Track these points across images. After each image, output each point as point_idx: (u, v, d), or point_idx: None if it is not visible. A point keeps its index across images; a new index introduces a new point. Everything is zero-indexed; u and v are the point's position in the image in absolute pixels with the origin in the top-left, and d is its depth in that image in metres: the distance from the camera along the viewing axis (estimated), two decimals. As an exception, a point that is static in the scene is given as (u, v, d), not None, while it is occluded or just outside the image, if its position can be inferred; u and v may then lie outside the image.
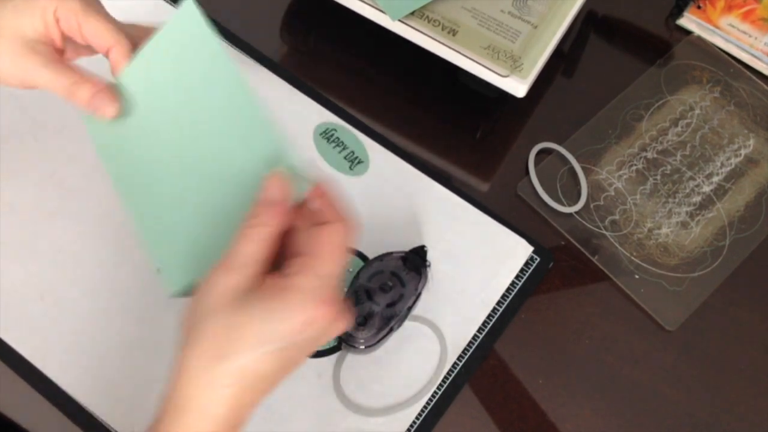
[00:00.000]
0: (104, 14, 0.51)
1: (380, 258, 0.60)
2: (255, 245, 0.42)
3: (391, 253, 0.60)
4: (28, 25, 0.49)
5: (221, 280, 0.42)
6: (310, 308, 0.41)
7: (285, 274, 0.42)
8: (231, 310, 0.41)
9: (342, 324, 0.43)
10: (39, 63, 0.49)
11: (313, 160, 0.66)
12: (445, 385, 0.60)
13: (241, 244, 0.42)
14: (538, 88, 0.66)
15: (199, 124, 0.49)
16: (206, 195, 0.48)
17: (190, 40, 0.49)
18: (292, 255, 0.44)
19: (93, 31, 0.50)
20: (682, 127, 0.71)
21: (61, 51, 0.52)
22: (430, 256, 0.61)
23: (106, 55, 0.51)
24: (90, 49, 0.52)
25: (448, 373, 0.60)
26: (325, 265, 0.42)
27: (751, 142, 0.71)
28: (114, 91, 0.50)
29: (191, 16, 0.49)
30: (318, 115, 0.68)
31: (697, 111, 0.72)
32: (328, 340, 0.44)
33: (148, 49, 0.51)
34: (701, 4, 0.76)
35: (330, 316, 0.41)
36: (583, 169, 0.68)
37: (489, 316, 0.62)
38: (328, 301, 0.41)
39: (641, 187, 0.68)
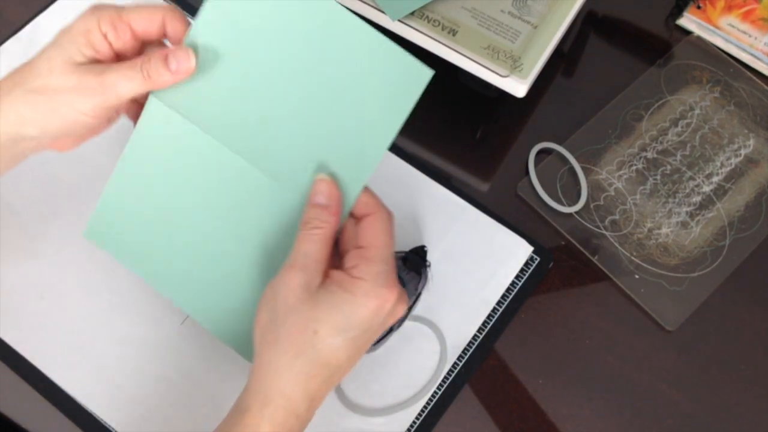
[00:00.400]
0: (137, 5, 0.50)
1: (380, 258, 0.60)
2: (317, 245, 0.46)
3: (391, 253, 0.60)
4: (76, 53, 0.48)
5: (294, 281, 0.45)
6: (379, 294, 0.45)
7: (348, 267, 0.46)
8: (307, 307, 0.44)
9: (403, 305, 0.47)
10: (99, 71, 0.47)
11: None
12: (445, 385, 0.60)
13: (305, 245, 0.46)
14: (538, 88, 0.66)
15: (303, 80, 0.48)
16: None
17: None
18: (345, 249, 0.48)
19: (142, 17, 0.49)
20: (682, 127, 0.71)
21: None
22: (430, 256, 0.61)
23: (164, 35, 0.50)
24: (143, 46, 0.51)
25: (448, 373, 0.60)
26: (382, 252, 0.46)
27: (751, 142, 0.71)
28: (180, 47, 0.48)
29: None
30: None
31: (697, 111, 0.72)
32: (392, 322, 0.47)
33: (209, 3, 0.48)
34: (701, 4, 0.76)
35: (394, 298, 0.45)
36: (583, 169, 0.68)
37: (489, 316, 0.62)
38: (392, 284, 0.45)
39: (641, 187, 0.68)
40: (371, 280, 0.45)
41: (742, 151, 0.71)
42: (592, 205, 0.67)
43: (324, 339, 0.44)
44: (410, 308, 0.59)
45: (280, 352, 0.44)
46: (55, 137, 0.49)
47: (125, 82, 0.47)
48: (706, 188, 0.69)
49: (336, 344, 0.44)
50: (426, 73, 0.46)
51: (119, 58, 0.50)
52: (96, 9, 0.49)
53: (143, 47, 0.51)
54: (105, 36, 0.48)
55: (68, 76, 0.47)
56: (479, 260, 0.64)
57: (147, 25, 0.49)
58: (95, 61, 0.48)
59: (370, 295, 0.44)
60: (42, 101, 0.47)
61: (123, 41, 0.49)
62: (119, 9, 0.49)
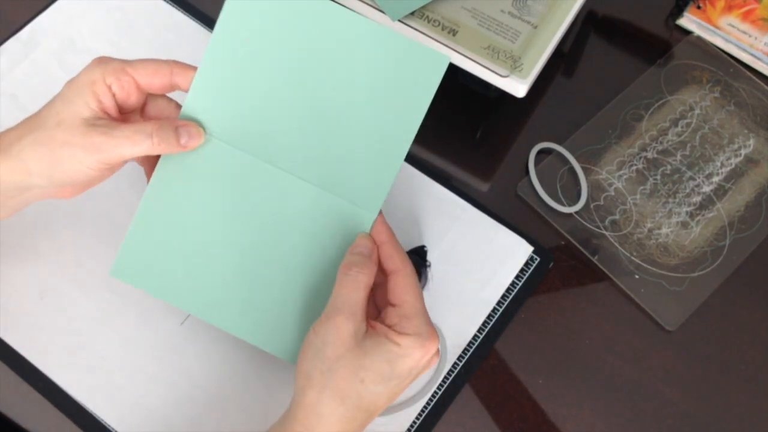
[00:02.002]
0: (144, 58, 0.51)
1: (380, 258, 0.60)
2: (361, 293, 0.48)
3: (391, 253, 0.60)
4: (81, 106, 0.48)
5: (343, 328, 0.47)
6: (424, 344, 0.47)
7: (391, 325, 0.48)
8: (355, 355, 0.46)
9: (438, 356, 0.50)
10: (106, 131, 0.48)
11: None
12: (445, 385, 0.60)
13: (349, 292, 0.48)
14: (538, 88, 0.66)
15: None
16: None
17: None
18: (379, 305, 0.51)
19: (147, 70, 0.49)
20: (682, 127, 0.71)
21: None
22: (430, 256, 0.61)
23: (170, 86, 0.50)
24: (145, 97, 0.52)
25: (448, 373, 0.60)
26: (417, 307, 0.48)
27: (751, 142, 0.71)
28: (187, 121, 0.50)
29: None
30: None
31: (697, 111, 0.72)
32: (426, 371, 0.50)
33: (214, 42, 0.49)
34: (701, 4, 0.76)
35: (435, 348, 0.48)
36: (583, 169, 0.68)
37: (489, 316, 0.62)
38: (433, 335, 0.48)
39: (641, 187, 0.68)
40: (415, 335, 0.47)
41: (742, 151, 0.71)
42: (592, 205, 0.67)
43: (368, 386, 0.46)
44: (410, 308, 0.60)
45: (327, 397, 0.46)
46: (58, 187, 0.50)
47: (131, 147, 0.48)
48: (706, 188, 0.69)
49: (378, 391, 0.47)
50: (442, 60, 0.46)
51: (123, 110, 0.50)
52: (101, 61, 0.49)
53: (147, 100, 0.52)
54: (109, 88, 0.49)
55: (74, 131, 0.47)
56: (479, 260, 0.64)
57: (152, 78, 0.50)
58: (102, 115, 0.49)
59: (416, 347, 0.47)
60: (48, 153, 0.48)
61: (127, 93, 0.50)
62: (124, 62, 0.49)
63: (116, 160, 0.48)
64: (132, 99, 0.50)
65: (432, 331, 0.48)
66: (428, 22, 0.64)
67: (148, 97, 0.52)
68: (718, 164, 0.70)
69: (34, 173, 0.48)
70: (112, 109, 0.49)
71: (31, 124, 0.48)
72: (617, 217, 0.67)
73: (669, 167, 0.69)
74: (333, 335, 0.46)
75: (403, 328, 0.47)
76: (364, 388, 0.46)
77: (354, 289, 0.48)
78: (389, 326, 0.48)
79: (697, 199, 0.68)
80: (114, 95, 0.49)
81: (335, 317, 0.47)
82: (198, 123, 0.50)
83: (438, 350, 0.49)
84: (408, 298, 0.49)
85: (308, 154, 0.50)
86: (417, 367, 0.48)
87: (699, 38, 0.76)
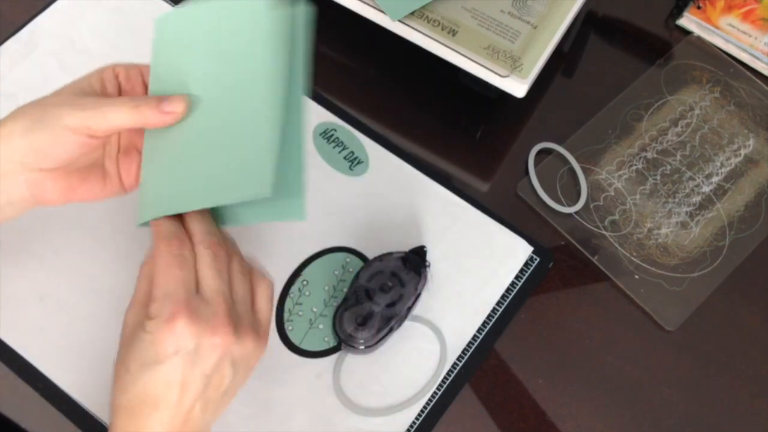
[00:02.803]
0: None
1: (380, 258, 0.60)
2: (141, 282, 0.47)
3: (391, 253, 0.60)
4: (85, 85, 0.50)
5: (127, 319, 0.47)
6: (166, 330, 0.44)
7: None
8: (123, 345, 0.46)
9: (219, 333, 0.45)
10: (98, 98, 0.49)
11: (312, 160, 0.66)
12: (445, 385, 0.60)
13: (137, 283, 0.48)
14: (538, 88, 0.66)
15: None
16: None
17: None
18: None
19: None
20: (682, 127, 0.71)
21: None
22: (430, 256, 0.61)
23: None
24: None
25: (448, 373, 0.60)
26: (163, 289, 0.45)
27: (751, 142, 0.71)
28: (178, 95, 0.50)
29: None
30: (318, 115, 0.68)
31: (697, 111, 0.72)
32: (215, 350, 0.45)
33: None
34: (701, 4, 0.76)
35: (187, 331, 0.44)
36: (583, 169, 0.68)
37: (489, 316, 0.62)
38: (176, 317, 0.44)
39: (641, 187, 0.68)
40: (156, 317, 0.44)
41: (742, 151, 0.71)
42: (591, 206, 0.67)
43: (134, 374, 0.44)
44: (410, 308, 0.60)
45: (114, 389, 0.46)
46: (39, 160, 0.48)
47: (115, 109, 0.48)
48: (706, 188, 0.69)
49: (147, 378, 0.44)
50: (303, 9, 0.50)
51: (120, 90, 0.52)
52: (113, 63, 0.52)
53: None
54: (117, 75, 0.51)
55: (67, 96, 0.49)
56: (479, 260, 0.64)
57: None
58: (99, 92, 0.50)
59: (159, 331, 0.44)
60: (35, 110, 0.48)
61: (132, 86, 0.51)
62: (135, 63, 0.52)
63: (99, 124, 0.47)
64: (137, 91, 0.51)
65: (176, 311, 0.44)
66: (428, 22, 0.64)
67: None
68: (718, 164, 0.70)
69: (16, 133, 0.47)
70: (114, 95, 0.50)
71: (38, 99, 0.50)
72: (617, 217, 0.67)
73: (669, 167, 0.69)
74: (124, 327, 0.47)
75: (150, 313, 0.45)
76: (131, 377, 0.44)
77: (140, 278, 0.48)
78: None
79: (696, 199, 0.68)
80: (119, 84, 0.51)
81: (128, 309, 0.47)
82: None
83: (221, 327, 0.45)
84: (158, 281, 0.46)
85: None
86: (184, 349, 0.44)
87: (699, 38, 0.76)
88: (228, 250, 0.48)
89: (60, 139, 0.47)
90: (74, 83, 0.50)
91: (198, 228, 0.48)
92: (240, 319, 0.46)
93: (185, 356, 0.44)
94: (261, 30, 0.50)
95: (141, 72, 0.51)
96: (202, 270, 0.46)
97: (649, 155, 0.70)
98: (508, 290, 0.63)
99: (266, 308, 0.49)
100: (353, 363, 0.59)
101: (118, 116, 0.48)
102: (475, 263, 0.64)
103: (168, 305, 0.44)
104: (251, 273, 0.49)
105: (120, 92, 0.51)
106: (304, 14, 0.52)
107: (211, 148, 0.50)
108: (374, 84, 0.72)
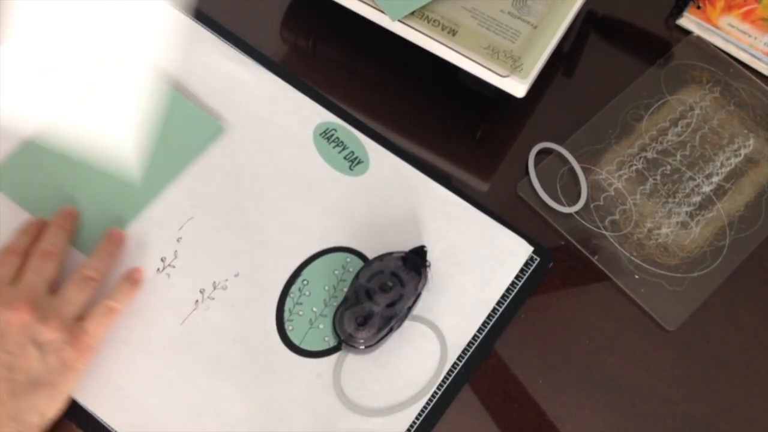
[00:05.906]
0: None
1: (380, 258, 0.60)
2: None
3: (391, 253, 0.60)
4: None
5: None
6: None
7: None
8: None
9: (19, 311, 0.52)
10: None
11: (313, 160, 0.66)
12: (445, 385, 0.60)
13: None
14: (538, 88, 0.66)
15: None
16: None
17: None
18: None
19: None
20: (682, 127, 0.71)
21: None
22: (429, 256, 0.61)
23: None
24: None
25: (448, 373, 0.60)
26: None
27: (751, 142, 0.71)
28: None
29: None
30: (318, 115, 0.68)
31: (697, 111, 0.72)
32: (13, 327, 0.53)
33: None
34: (701, 4, 0.76)
35: None
36: (583, 169, 0.68)
37: (489, 316, 0.62)
38: None
39: (641, 187, 0.68)
40: None
41: (742, 151, 0.71)
42: (591, 205, 0.67)
43: None
44: (410, 308, 0.59)
45: None
46: None
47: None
48: (706, 188, 0.69)
49: None
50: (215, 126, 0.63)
51: None
52: None
53: None
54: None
55: None
56: (479, 260, 0.64)
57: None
58: None
59: None
60: None
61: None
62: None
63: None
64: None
65: None
66: (428, 22, 0.64)
67: None
68: (718, 164, 0.70)
69: None
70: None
71: None
72: (617, 217, 0.67)
73: (669, 167, 0.69)
74: None
75: None
76: None
77: None
78: None
79: (696, 199, 0.68)
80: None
81: None
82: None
83: (20, 305, 0.52)
84: None
85: None
86: None
87: (699, 38, 0.76)
88: (60, 262, 0.57)
89: None
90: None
91: (45, 238, 0.57)
92: (50, 310, 0.53)
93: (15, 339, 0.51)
94: None
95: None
96: (24, 271, 0.55)
97: (649, 155, 0.70)
98: (508, 290, 0.63)
99: (94, 322, 0.55)
100: (353, 363, 0.59)
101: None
102: (475, 263, 0.64)
103: None
104: (102, 295, 0.57)
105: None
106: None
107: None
108: (374, 84, 0.72)
